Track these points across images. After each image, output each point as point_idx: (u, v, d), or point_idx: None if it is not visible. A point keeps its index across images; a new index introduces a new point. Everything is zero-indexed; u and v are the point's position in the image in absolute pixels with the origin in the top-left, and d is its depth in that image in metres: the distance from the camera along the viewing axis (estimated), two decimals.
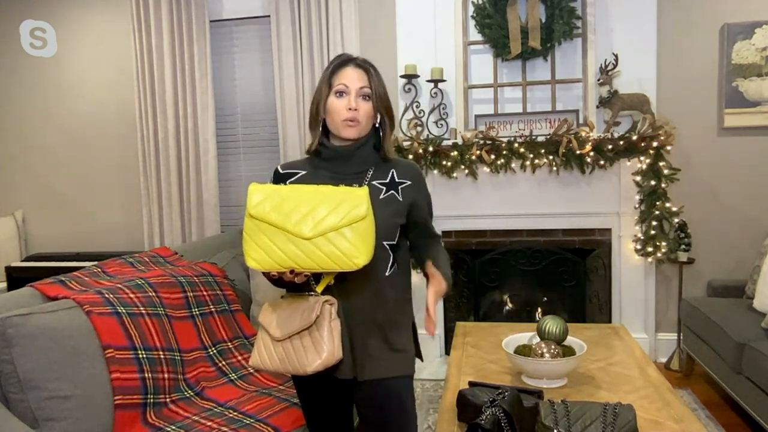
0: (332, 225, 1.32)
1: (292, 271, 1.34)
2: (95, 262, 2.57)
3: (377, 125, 1.53)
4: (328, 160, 1.52)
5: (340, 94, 1.47)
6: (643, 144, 3.22)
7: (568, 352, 2.10)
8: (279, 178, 1.54)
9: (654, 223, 3.27)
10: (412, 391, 1.55)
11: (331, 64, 1.51)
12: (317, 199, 1.34)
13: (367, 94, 1.48)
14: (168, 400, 2.01)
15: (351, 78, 1.47)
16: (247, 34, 4.01)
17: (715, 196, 3.50)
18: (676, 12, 3.46)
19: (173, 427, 1.88)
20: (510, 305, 3.73)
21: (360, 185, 1.48)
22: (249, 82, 4.05)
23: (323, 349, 1.38)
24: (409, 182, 1.53)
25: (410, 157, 3.41)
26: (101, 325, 1.89)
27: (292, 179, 1.53)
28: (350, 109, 1.45)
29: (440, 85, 3.54)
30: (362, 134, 1.49)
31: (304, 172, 1.53)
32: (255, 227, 1.34)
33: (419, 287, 3.68)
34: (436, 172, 3.46)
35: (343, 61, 1.50)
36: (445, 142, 3.42)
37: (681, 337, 3.40)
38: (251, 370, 2.37)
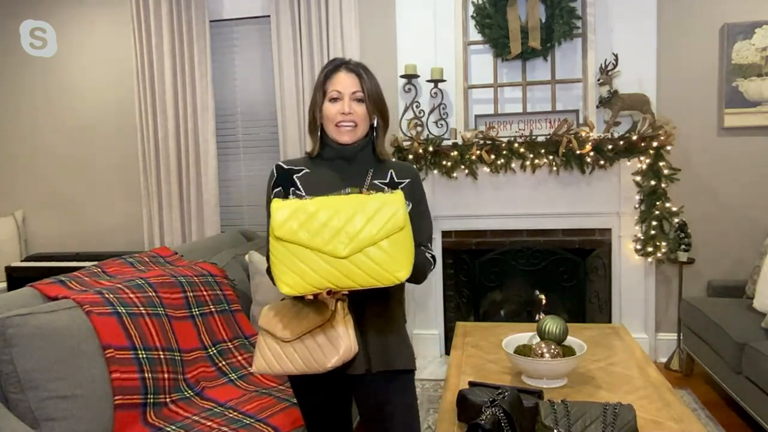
0: (369, 238, 1.22)
1: (329, 291, 1.27)
2: (95, 262, 2.58)
3: (374, 126, 1.56)
4: (331, 160, 1.54)
5: (335, 100, 1.50)
6: (643, 144, 3.22)
7: (568, 352, 2.10)
8: (284, 172, 1.54)
9: (654, 223, 3.27)
10: (414, 387, 1.57)
11: (324, 70, 1.54)
12: (349, 210, 1.24)
13: (360, 98, 1.50)
14: (168, 400, 2.01)
15: (344, 84, 1.50)
16: (247, 34, 4.01)
17: (715, 196, 3.50)
18: (676, 12, 3.46)
19: (173, 427, 1.88)
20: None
21: (363, 184, 1.49)
22: (249, 82, 4.05)
23: (340, 344, 1.37)
24: (407, 180, 1.56)
25: (410, 157, 3.41)
26: (101, 325, 1.89)
27: (298, 174, 1.53)
28: (344, 113, 1.48)
29: (440, 85, 3.53)
30: (359, 137, 1.52)
31: (307, 170, 1.55)
32: (283, 249, 1.23)
33: (412, 290, 3.68)
34: (436, 172, 3.46)
35: (336, 66, 1.53)
36: (445, 142, 3.42)
37: (681, 337, 3.40)
38: (251, 370, 2.36)
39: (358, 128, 1.50)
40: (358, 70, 1.52)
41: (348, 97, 1.49)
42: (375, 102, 1.52)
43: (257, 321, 1.53)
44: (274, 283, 1.50)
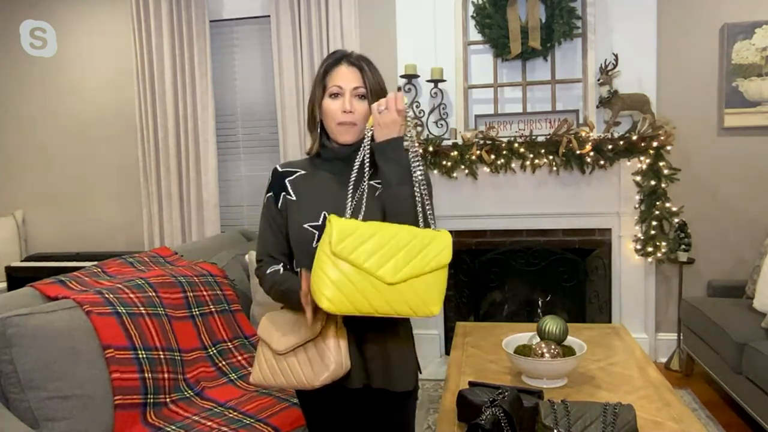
0: (419, 269, 1.25)
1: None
2: (95, 262, 2.57)
3: None
4: (329, 161, 1.49)
5: (335, 95, 1.42)
6: (643, 144, 3.22)
7: (568, 352, 2.10)
8: (278, 177, 1.51)
9: (654, 223, 3.27)
10: (414, 405, 1.53)
11: (324, 64, 1.46)
12: (400, 240, 1.27)
13: (362, 94, 1.42)
14: (168, 400, 2.01)
15: (345, 78, 1.42)
16: (247, 34, 4.01)
17: (715, 196, 3.50)
18: (676, 12, 3.46)
19: (173, 427, 1.88)
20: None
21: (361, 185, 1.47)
22: (249, 82, 4.05)
23: (331, 360, 1.32)
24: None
25: None
26: (101, 325, 1.89)
27: (291, 177, 1.49)
28: (345, 111, 1.40)
29: (440, 85, 3.53)
30: (360, 136, 1.43)
31: (303, 172, 1.51)
32: (329, 261, 1.23)
33: None
34: (436, 172, 3.46)
35: (337, 59, 1.45)
36: (445, 142, 3.42)
37: (681, 337, 3.40)
38: (249, 381, 2.36)
39: (358, 127, 1.42)
40: (360, 63, 1.45)
41: (349, 93, 1.41)
42: (378, 98, 1.41)
43: (257, 321, 1.51)
44: (264, 290, 1.47)
